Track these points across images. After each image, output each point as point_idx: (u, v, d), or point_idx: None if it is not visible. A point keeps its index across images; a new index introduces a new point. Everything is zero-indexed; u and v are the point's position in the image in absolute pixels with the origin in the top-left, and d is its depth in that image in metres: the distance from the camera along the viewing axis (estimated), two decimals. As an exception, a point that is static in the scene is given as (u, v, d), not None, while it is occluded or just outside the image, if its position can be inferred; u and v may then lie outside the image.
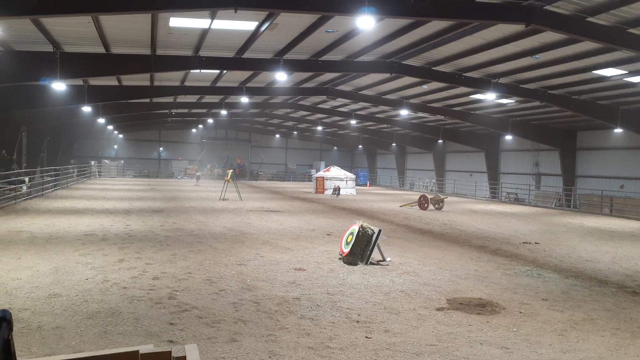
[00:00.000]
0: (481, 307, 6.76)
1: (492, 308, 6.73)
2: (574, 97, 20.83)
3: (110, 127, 42.60)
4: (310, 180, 42.18)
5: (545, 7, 11.60)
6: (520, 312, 6.56)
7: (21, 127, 25.13)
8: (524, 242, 13.13)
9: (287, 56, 17.32)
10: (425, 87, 22.79)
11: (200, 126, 48.51)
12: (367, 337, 5.43)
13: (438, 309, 6.57)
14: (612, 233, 16.23)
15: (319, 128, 42.85)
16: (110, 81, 22.02)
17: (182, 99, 29.37)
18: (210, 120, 43.46)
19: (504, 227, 16.53)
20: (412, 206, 23.13)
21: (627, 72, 16.35)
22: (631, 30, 12.35)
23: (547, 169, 32.33)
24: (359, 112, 33.21)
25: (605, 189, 26.84)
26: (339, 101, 29.44)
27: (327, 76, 22.37)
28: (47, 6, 10.10)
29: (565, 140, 29.35)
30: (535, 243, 13.08)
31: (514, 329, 5.87)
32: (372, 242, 9.31)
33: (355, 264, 9.15)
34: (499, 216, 20.63)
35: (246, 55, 17.07)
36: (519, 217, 20.69)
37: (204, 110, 36.96)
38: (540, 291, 7.79)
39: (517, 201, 31.49)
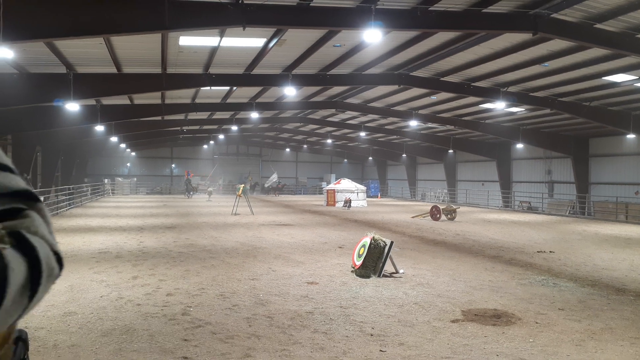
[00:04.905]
0: (496, 318, 6.69)
1: (508, 319, 6.65)
2: (584, 104, 20.71)
3: (122, 145, 43.14)
4: (321, 193, 42.22)
5: (552, 16, 11.60)
6: (537, 323, 6.48)
7: (36, 147, 25.56)
8: (538, 251, 12.98)
9: (296, 71, 17.48)
10: (434, 98, 22.81)
11: (212, 142, 48.93)
12: (381, 350, 5.39)
13: (453, 321, 6.51)
14: (628, 240, 15.99)
15: (329, 141, 43.01)
16: (122, 100, 22.36)
17: (193, 115, 29.69)
18: (221, 136, 43.86)
19: (517, 237, 16.36)
20: (424, 217, 23.01)
21: (637, 77, 16.24)
22: (640, 36, 12.31)
23: (559, 176, 32.03)
24: (368, 124, 33.29)
25: (619, 195, 26.50)
26: (348, 114, 29.54)
27: (336, 89, 22.50)
28: (61, 30, 10.33)
29: (578, 148, 29.12)
30: (550, 252, 12.93)
31: (531, 340, 5.79)
32: (385, 254, 9.28)
33: (368, 277, 9.11)
34: (512, 225, 20.44)
35: (255, 71, 17.25)
36: (533, 225, 20.47)
37: (215, 127, 37.30)
38: (557, 301, 7.69)
39: (531, 210, 31.19)
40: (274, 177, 47.43)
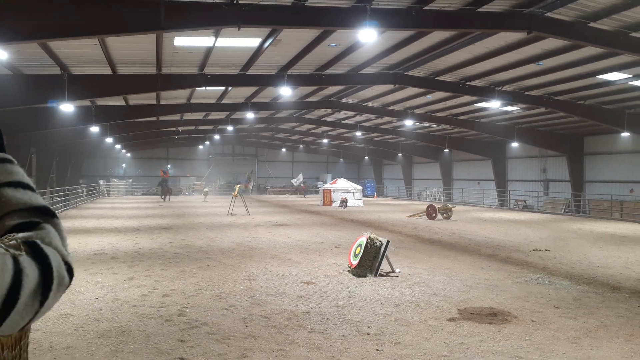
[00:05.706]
0: (492, 316, 6.71)
1: (504, 317, 6.67)
2: (579, 102, 20.80)
3: (118, 146, 42.99)
4: (317, 193, 42.22)
5: (546, 14, 11.65)
6: (532, 321, 6.50)
7: (30, 149, 25.44)
8: (534, 250, 13.03)
9: (291, 71, 17.47)
10: (429, 97, 22.86)
11: (207, 142, 48.85)
12: (378, 349, 5.40)
13: (449, 320, 6.53)
14: (623, 238, 16.07)
15: (325, 141, 43.02)
16: (117, 101, 22.28)
17: (188, 116, 29.64)
18: (217, 137, 43.81)
19: (513, 235, 16.41)
20: (420, 216, 23.05)
21: (631, 75, 16.32)
22: (634, 34, 12.36)
23: (555, 175, 32.16)
24: (364, 124, 33.33)
25: (614, 193, 26.63)
26: (344, 113, 29.57)
27: (332, 89, 22.51)
28: (55, 30, 10.29)
29: (572, 146, 29.25)
30: (546, 250, 12.98)
31: (526, 338, 5.81)
32: (381, 254, 9.29)
33: (364, 276, 9.12)
34: (508, 224, 20.50)
35: (250, 71, 17.24)
36: (529, 224, 20.54)
37: (211, 127, 37.25)
38: (552, 299, 7.72)
39: (526, 208, 31.29)
40: (300, 178, 47.66)
